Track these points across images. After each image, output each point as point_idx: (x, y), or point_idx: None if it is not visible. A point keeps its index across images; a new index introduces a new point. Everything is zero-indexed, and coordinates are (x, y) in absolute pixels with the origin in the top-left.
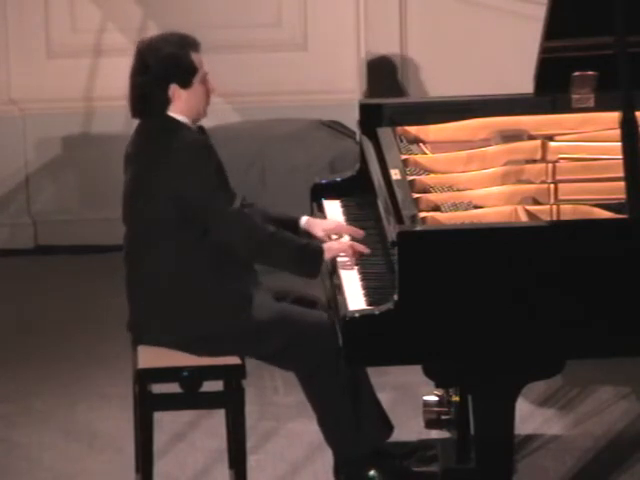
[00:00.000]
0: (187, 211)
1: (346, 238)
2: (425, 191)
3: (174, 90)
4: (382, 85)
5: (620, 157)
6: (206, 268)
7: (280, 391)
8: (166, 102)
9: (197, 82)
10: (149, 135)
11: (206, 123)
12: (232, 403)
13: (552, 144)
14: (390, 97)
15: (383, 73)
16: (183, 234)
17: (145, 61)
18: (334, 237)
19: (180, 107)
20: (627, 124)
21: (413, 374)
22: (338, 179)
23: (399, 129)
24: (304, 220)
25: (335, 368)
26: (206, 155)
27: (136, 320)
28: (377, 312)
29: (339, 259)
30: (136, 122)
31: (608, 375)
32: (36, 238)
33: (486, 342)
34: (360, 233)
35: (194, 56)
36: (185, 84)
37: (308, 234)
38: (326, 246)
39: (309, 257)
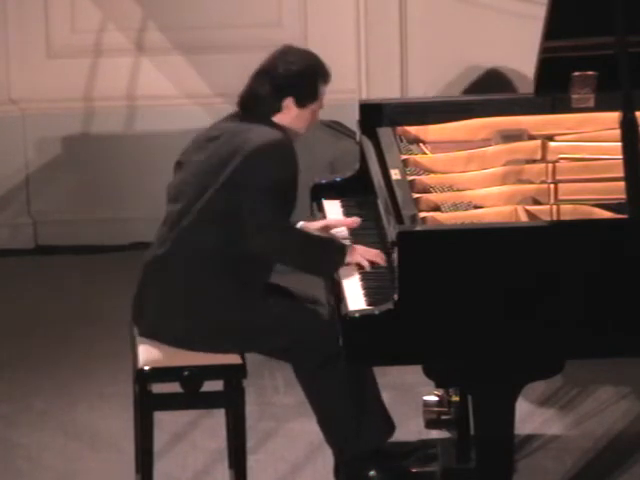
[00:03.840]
0: (233, 209)
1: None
2: (425, 191)
3: (289, 103)
4: (382, 85)
5: (620, 157)
6: (219, 265)
7: (280, 391)
8: (276, 110)
9: (311, 108)
10: (244, 127)
11: (207, 123)
12: (232, 403)
13: (552, 144)
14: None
15: (383, 73)
16: (215, 230)
17: (276, 66)
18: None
19: (285, 120)
20: (627, 124)
21: (413, 374)
22: (338, 179)
23: (399, 129)
24: (299, 226)
25: (336, 368)
26: (287, 158)
27: (140, 309)
28: (377, 312)
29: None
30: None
31: (608, 375)
32: (36, 238)
33: (486, 342)
34: (354, 222)
35: (321, 86)
36: (301, 104)
37: None
38: (349, 250)
39: (334, 260)
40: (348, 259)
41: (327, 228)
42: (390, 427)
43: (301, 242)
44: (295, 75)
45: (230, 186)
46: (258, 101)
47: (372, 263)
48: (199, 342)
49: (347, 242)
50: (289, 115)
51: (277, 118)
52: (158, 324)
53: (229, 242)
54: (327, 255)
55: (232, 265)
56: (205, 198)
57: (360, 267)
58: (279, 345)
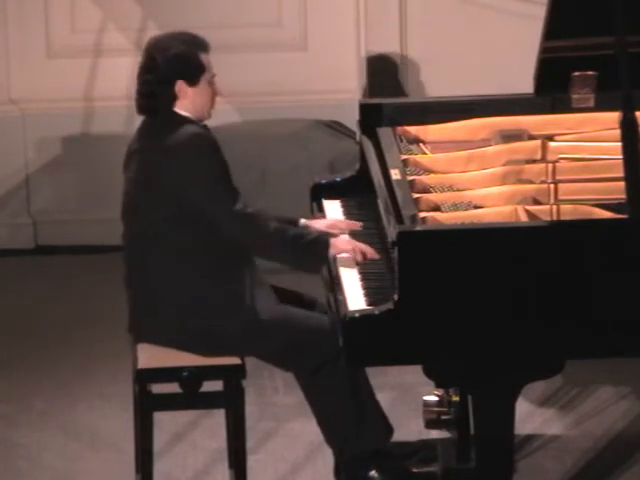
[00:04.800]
0: (188, 208)
1: (345, 236)
2: (425, 191)
3: (180, 86)
4: (382, 85)
5: (620, 157)
6: (205, 268)
7: (280, 391)
8: (172, 98)
9: (204, 81)
10: (154, 131)
11: (206, 123)
12: (232, 403)
13: (552, 144)
14: (390, 97)
15: (383, 73)
16: (182, 234)
17: (153, 59)
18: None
19: (186, 104)
20: (627, 124)
21: (413, 374)
22: (338, 179)
23: (399, 129)
24: (302, 224)
25: (336, 369)
26: (211, 150)
27: (136, 320)
28: (377, 312)
29: (339, 257)
30: (137, 121)
31: (608, 375)
32: (36, 238)
33: (486, 342)
34: (357, 225)
35: (203, 56)
36: (192, 81)
37: None
38: (332, 241)
39: (314, 253)
40: (331, 252)
41: (332, 227)
42: (388, 430)
43: (276, 229)
44: (174, 58)
45: (169, 199)
46: (152, 99)
47: (364, 255)
48: (196, 347)
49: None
50: (187, 98)
51: (179, 107)
52: (148, 334)
53: (191, 248)
54: (307, 246)
55: (206, 268)
56: (147, 218)
57: (359, 267)
58: (273, 349)
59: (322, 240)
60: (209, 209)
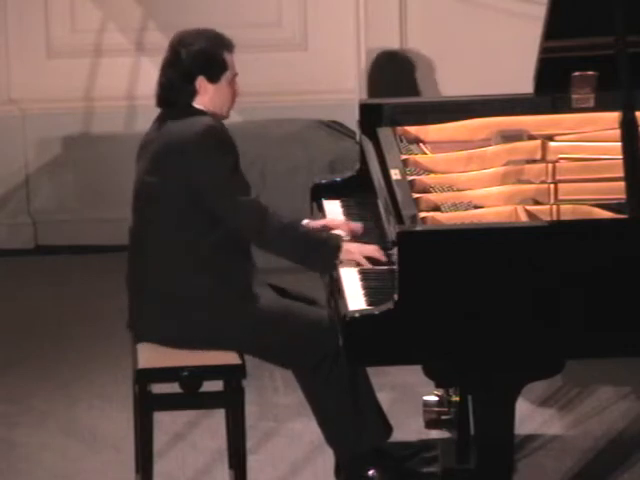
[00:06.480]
0: (195, 202)
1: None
2: (425, 191)
3: (201, 82)
4: (382, 85)
5: (620, 157)
6: (206, 264)
7: (280, 391)
8: (192, 93)
9: (225, 80)
10: (170, 121)
11: None
12: (232, 403)
13: (552, 144)
14: (390, 97)
15: (383, 73)
16: (184, 229)
17: (177, 53)
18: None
19: (205, 101)
20: (627, 124)
21: (413, 374)
22: (338, 179)
23: (399, 129)
24: (304, 224)
25: (335, 367)
26: (224, 143)
27: (136, 317)
28: (377, 312)
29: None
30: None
31: (608, 375)
32: (36, 238)
33: (486, 342)
34: (360, 228)
35: (226, 55)
36: (213, 79)
37: None
38: (346, 246)
39: (322, 252)
40: (344, 257)
41: (328, 228)
42: (388, 428)
43: (288, 223)
44: (197, 54)
45: (177, 189)
46: (172, 92)
47: (371, 259)
48: (196, 341)
49: (344, 239)
50: (207, 94)
51: (197, 102)
52: (148, 331)
53: (194, 242)
54: (316, 246)
55: (208, 264)
56: (151, 210)
57: (360, 266)
58: (274, 344)
59: (333, 241)
60: (219, 201)
